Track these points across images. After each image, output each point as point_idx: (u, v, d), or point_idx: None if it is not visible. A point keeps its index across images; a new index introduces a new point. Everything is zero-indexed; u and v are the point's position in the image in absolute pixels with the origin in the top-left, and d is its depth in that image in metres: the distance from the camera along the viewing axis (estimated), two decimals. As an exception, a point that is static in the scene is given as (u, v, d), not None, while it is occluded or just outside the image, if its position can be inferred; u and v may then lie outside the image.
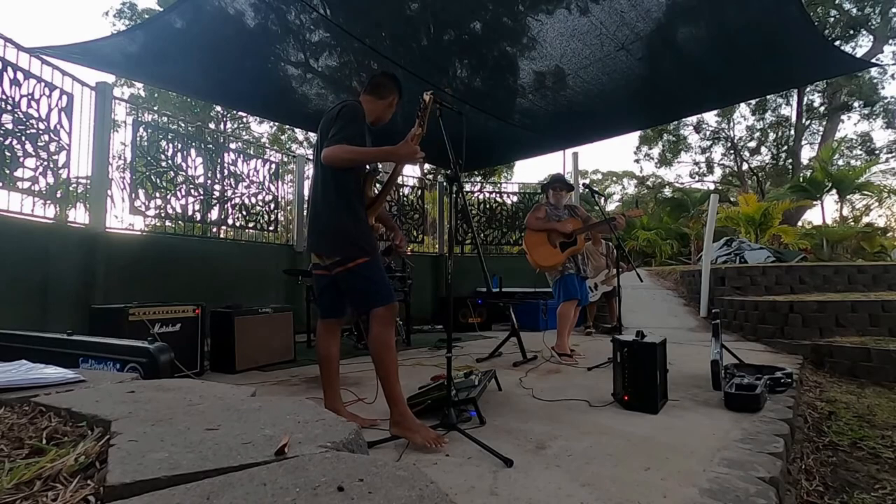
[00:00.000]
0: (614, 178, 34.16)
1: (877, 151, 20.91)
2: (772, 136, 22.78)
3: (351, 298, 2.24)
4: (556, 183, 4.32)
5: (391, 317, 2.16)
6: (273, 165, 6.06)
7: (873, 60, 14.01)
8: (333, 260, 2.17)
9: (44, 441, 0.99)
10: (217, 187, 5.44)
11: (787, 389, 2.90)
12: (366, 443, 1.09)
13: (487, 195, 8.36)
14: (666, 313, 6.71)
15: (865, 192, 15.30)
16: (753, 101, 20.09)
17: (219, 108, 18.97)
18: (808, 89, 19.20)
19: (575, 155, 8.05)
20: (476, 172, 12.69)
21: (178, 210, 4.98)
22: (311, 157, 5.01)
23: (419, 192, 7.82)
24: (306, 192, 6.12)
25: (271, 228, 6.02)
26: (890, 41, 17.34)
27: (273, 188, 6.02)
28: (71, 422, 1.10)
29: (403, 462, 1.72)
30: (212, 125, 19.08)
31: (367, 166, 2.28)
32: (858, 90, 18.22)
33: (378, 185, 2.50)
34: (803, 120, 20.68)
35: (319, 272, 2.28)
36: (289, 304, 4.99)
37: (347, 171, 2.17)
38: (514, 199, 8.33)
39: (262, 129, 22.51)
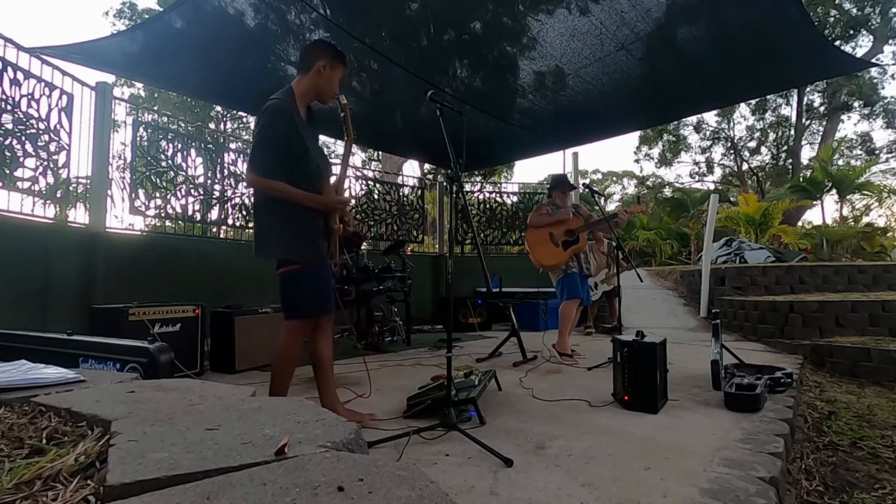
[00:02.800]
0: (614, 178, 34.16)
1: (877, 151, 20.92)
2: (772, 136, 22.77)
3: (281, 301, 2.20)
4: (563, 185, 4.31)
5: (303, 330, 2.15)
6: (273, 165, 6.05)
7: (873, 60, 14.00)
8: (277, 261, 2.15)
9: (44, 441, 0.99)
10: (217, 187, 5.43)
11: (787, 389, 2.90)
12: (366, 443, 1.09)
13: (487, 195, 8.35)
14: (666, 313, 6.70)
15: (865, 192, 15.26)
16: (753, 101, 20.08)
17: (219, 108, 18.94)
18: (808, 89, 19.19)
19: (575, 155, 8.05)
20: (476, 172, 12.69)
21: (178, 210, 4.98)
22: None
23: (419, 191, 7.82)
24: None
25: (271, 228, 6.01)
26: (890, 41, 17.35)
27: (273, 188, 6.01)
28: (71, 422, 1.10)
29: (403, 462, 1.72)
30: (212, 125, 19.05)
31: (317, 164, 2.18)
32: (858, 90, 18.21)
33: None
34: (803, 120, 20.67)
35: None
36: (289, 304, 4.98)
37: (287, 173, 2.05)
38: (514, 199, 8.33)
39: (262, 129, 22.47)
